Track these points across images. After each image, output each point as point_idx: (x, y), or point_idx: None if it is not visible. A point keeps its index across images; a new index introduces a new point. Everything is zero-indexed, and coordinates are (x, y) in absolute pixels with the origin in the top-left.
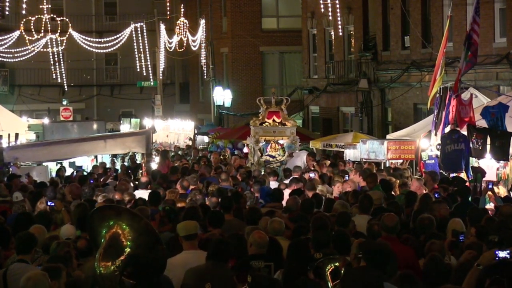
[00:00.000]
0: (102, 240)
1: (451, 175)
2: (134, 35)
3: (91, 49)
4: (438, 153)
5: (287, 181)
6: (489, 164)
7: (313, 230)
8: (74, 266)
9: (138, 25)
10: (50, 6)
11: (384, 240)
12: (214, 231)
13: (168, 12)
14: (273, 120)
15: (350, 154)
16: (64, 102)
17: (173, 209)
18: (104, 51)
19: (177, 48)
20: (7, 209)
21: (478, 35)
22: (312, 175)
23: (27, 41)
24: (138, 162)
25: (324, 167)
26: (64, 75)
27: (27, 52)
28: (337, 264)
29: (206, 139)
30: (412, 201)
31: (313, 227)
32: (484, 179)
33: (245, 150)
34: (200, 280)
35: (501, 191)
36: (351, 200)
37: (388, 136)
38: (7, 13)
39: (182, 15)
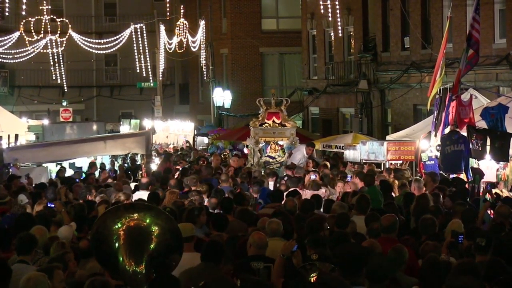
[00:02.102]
0: (115, 238)
1: (451, 176)
2: (134, 36)
3: (91, 50)
4: (438, 154)
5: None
6: (489, 165)
7: (308, 231)
8: (71, 266)
9: (138, 26)
10: (50, 7)
11: (378, 242)
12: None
13: (168, 13)
14: (273, 121)
15: (349, 155)
16: (64, 103)
17: (173, 211)
18: (104, 52)
19: (177, 49)
20: (6, 210)
21: (479, 33)
22: (313, 176)
23: (27, 42)
24: (138, 163)
25: (325, 169)
26: (64, 76)
27: (27, 53)
28: (318, 273)
29: (206, 140)
30: (410, 202)
31: (308, 228)
32: (483, 180)
33: (245, 151)
34: (193, 282)
35: (505, 192)
36: (352, 201)
37: (387, 137)
38: (7, 14)
39: (182, 16)
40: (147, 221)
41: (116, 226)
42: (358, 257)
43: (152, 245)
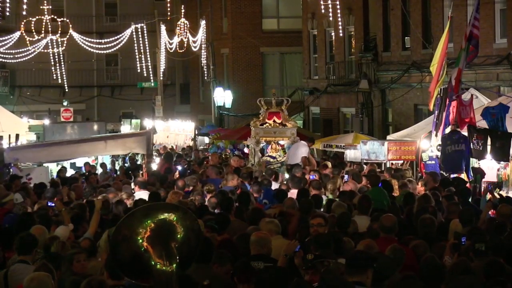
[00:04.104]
0: (139, 238)
1: (452, 176)
2: (134, 36)
3: (92, 50)
4: (439, 154)
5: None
6: (489, 165)
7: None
8: (78, 267)
9: (138, 26)
10: (50, 7)
11: (378, 242)
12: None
13: (169, 13)
14: (274, 121)
15: (350, 155)
16: (65, 103)
17: None
18: (105, 52)
19: (177, 49)
20: (8, 210)
21: (478, 29)
22: (312, 177)
23: (27, 42)
24: (138, 163)
25: (326, 169)
26: (64, 76)
27: (27, 53)
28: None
29: (206, 140)
30: (410, 202)
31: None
32: (484, 180)
33: (246, 151)
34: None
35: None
36: (353, 201)
37: (388, 137)
38: (7, 14)
39: (182, 16)
40: (174, 221)
41: (143, 227)
42: (366, 258)
43: (178, 243)
